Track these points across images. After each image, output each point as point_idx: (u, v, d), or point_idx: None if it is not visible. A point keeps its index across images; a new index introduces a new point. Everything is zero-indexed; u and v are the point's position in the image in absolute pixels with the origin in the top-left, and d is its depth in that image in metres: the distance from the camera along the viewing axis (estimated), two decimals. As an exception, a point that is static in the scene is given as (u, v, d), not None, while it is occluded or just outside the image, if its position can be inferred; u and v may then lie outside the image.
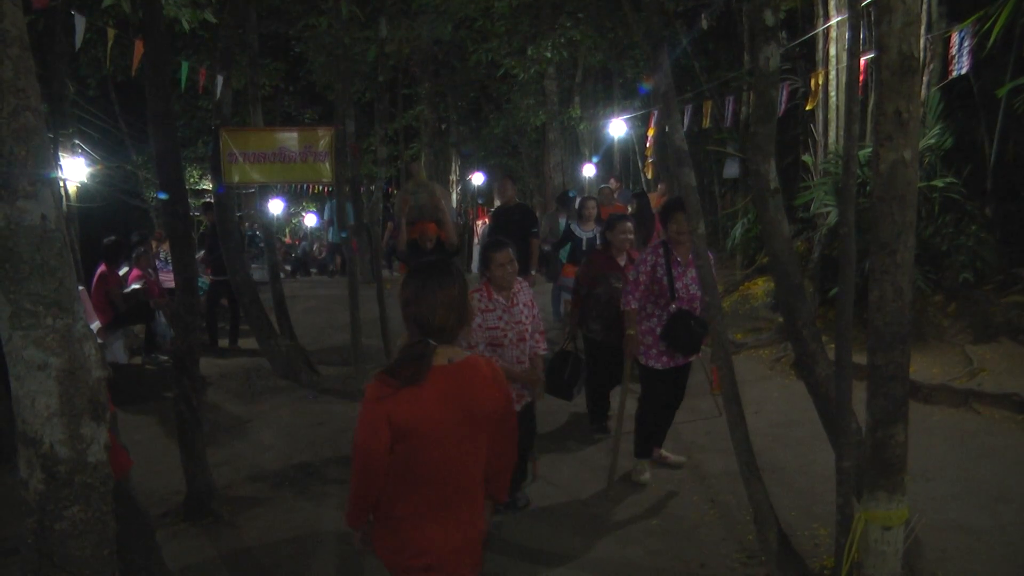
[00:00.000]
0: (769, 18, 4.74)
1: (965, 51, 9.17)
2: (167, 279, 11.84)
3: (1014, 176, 10.60)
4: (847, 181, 3.81)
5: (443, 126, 30.12)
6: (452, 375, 3.01)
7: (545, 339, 6.14)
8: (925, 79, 10.37)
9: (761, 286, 13.65)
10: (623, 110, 21.54)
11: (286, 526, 6.10)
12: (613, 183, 15.53)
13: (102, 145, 21.88)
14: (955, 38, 9.30)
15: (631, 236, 7.87)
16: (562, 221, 12.26)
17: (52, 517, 2.36)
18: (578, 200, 12.27)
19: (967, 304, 9.77)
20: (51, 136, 13.76)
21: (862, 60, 9.07)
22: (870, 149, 8.54)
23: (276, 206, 19.58)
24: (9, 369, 2.32)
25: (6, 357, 2.32)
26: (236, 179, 10.75)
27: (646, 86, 19.22)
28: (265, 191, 18.03)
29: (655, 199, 15.65)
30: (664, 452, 7.18)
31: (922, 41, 9.38)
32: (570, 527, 5.96)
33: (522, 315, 5.79)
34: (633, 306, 6.58)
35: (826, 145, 12.28)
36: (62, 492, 2.36)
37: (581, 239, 10.97)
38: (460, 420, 3.00)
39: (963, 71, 9.37)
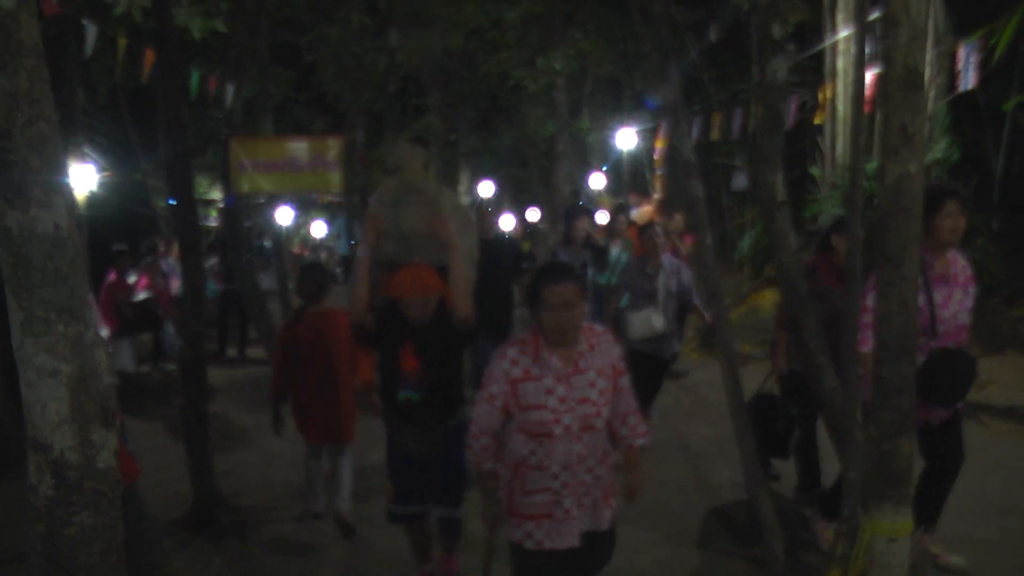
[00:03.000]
0: (777, 31, 4.77)
1: (971, 66, 9.19)
2: (176, 286, 11.88)
3: (1020, 189, 10.64)
4: (854, 194, 3.84)
5: (452, 137, 30.18)
6: (316, 317, 5.96)
7: (644, 422, 3.93)
8: (932, 93, 10.39)
9: (769, 298, 13.63)
10: (632, 121, 21.56)
11: (292, 535, 6.12)
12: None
13: (111, 153, 21.89)
14: (961, 53, 9.32)
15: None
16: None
17: (61, 523, 2.37)
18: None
19: (974, 316, 9.76)
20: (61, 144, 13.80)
21: (870, 74, 9.08)
22: (877, 163, 8.59)
23: (286, 216, 19.53)
24: (20, 375, 2.34)
25: (17, 363, 2.34)
26: (245, 189, 10.78)
27: (655, 100, 19.24)
28: (275, 200, 18.07)
29: (648, 211, 13.21)
30: (935, 548, 4.98)
31: (929, 55, 9.40)
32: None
33: (591, 389, 3.48)
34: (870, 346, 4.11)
35: (834, 158, 12.32)
36: (71, 498, 2.38)
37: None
38: (321, 341, 5.86)
39: (969, 86, 9.38)
